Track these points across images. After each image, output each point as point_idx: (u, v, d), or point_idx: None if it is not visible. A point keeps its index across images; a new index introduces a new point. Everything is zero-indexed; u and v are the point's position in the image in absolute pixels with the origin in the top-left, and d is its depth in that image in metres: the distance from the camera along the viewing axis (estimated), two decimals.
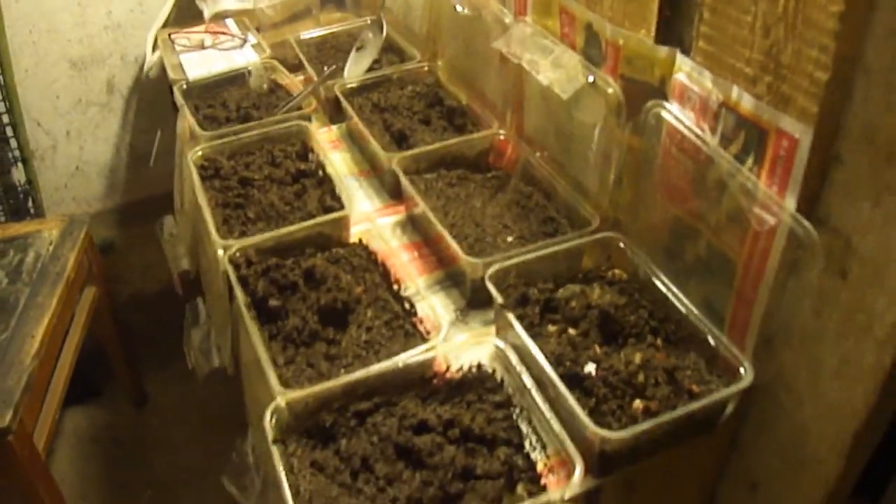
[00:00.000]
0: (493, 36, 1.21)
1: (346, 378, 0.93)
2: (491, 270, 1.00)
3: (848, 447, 0.81)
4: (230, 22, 1.82)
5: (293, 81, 1.56)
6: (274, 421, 0.90)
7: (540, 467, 0.86)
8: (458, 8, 1.32)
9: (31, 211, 2.08)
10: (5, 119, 1.97)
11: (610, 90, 0.99)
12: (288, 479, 0.84)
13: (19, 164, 2.03)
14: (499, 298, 0.97)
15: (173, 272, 1.51)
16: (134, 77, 2.19)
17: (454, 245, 1.07)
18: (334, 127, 1.53)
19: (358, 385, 0.93)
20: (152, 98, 2.21)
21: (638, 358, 0.91)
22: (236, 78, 1.60)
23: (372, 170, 1.40)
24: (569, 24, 1.07)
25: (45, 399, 1.54)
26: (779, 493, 0.93)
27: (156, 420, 2.02)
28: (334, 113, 1.53)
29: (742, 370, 0.86)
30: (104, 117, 2.22)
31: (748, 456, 0.96)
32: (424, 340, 0.99)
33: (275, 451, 0.88)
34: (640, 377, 0.89)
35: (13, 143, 1.99)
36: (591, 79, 1.01)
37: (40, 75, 2.09)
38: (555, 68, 1.06)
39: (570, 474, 0.81)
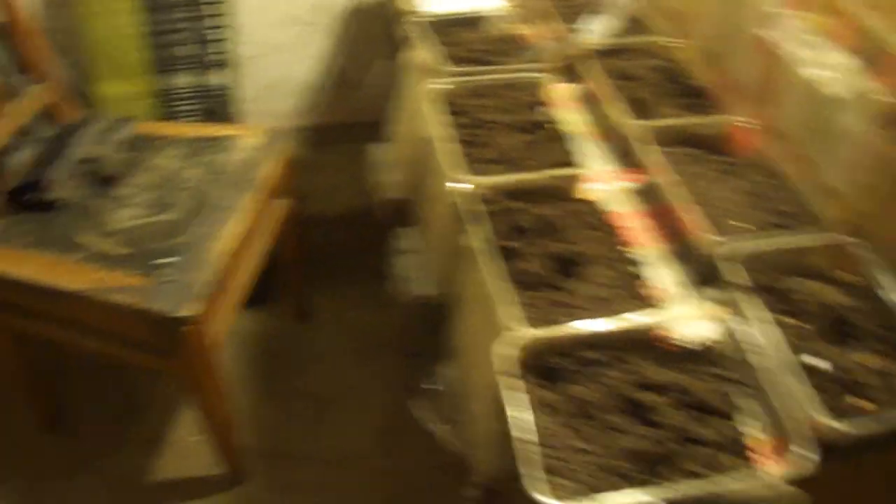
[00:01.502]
0: (756, 23, 1.22)
1: (576, 326, 0.99)
2: (723, 249, 1.04)
3: None
4: None
5: (533, 33, 1.56)
6: (502, 354, 0.96)
7: (753, 444, 0.91)
8: None
9: (226, 116, 2.16)
10: (209, 22, 2.01)
11: (884, 99, 1.00)
12: (513, 410, 0.91)
13: (217, 69, 2.11)
14: (735, 279, 1.01)
15: (377, 198, 1.58)
16: (344, 2, 2.25)
17: (694, 220, 1.10)
18: (569, 85, 1.52)
19: (587, 336, 0.99)
20: (360, 26, 2.25)
21: (869, 360, 0.94)
22: (472, 20, 1.63)
23: (603, 133, 1.40)
24: (845, 27, 1.07)
25: (227, 297, 1.65)
26: None
27: (318, 337, 2.02)
28: (571, 72, 1.53)
29: None
30: (309, 36, 2.26)
31: None
32: (651, 305, 1.04)
33: (502, 382, 0.94)
34: (866, 378, 0.93)
35: (215, 46, 2.05)
36: (864, 84, 1.02)
37: None
38: (823, 66, 1.07)
39: (782, 456, 0.85)
